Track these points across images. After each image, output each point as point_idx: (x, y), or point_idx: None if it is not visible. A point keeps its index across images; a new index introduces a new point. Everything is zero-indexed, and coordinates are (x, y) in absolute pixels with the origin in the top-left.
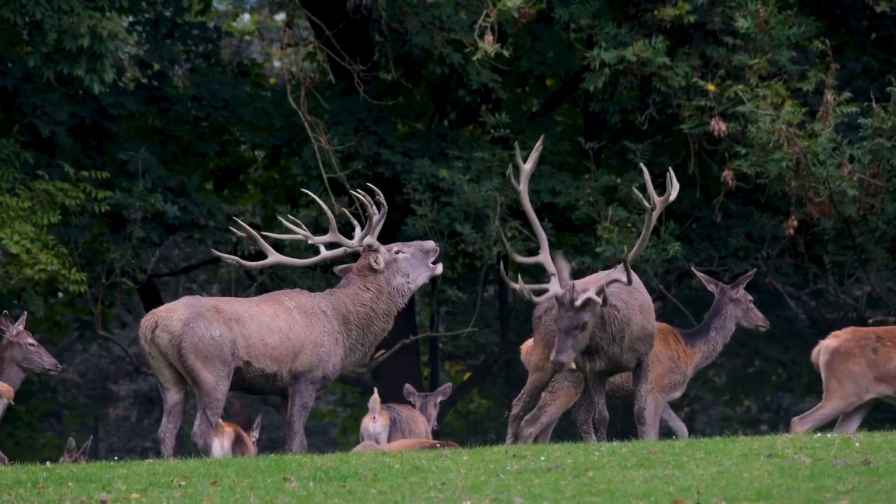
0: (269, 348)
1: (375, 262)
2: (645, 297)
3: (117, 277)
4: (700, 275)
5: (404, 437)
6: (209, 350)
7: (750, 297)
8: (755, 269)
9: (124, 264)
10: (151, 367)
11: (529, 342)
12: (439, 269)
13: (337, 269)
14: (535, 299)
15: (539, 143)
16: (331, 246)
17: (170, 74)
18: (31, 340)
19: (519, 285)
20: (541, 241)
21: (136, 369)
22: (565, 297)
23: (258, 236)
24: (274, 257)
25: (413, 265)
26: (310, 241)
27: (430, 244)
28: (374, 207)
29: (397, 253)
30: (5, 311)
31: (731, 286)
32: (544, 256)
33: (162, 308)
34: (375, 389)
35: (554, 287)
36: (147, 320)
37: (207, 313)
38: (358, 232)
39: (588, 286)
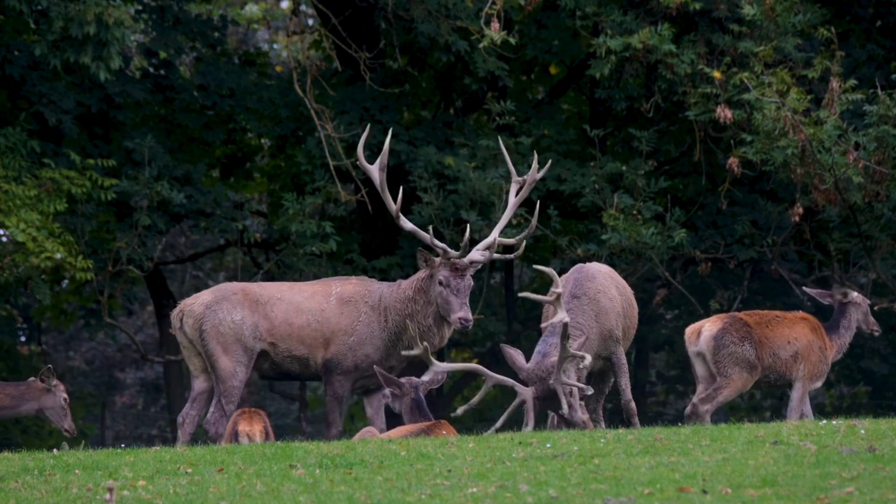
0: (296, 328)
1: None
2: (602, 303)
3: (123, 265)
4: (811, 291)
5: None
6: (230, 333)
7: (868, 302)
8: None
9: (130, 252)
10: (184, 356)
11: (694, 325)
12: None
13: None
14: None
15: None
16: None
17: (176, 63)
18: (66, 395)
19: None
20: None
21: (142, 357)
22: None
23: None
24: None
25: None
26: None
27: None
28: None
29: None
30: (50, 365)
31: (842, 291)
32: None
33: (191, 297)
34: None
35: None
36: (176, 310)
37: (233, 297)
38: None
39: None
